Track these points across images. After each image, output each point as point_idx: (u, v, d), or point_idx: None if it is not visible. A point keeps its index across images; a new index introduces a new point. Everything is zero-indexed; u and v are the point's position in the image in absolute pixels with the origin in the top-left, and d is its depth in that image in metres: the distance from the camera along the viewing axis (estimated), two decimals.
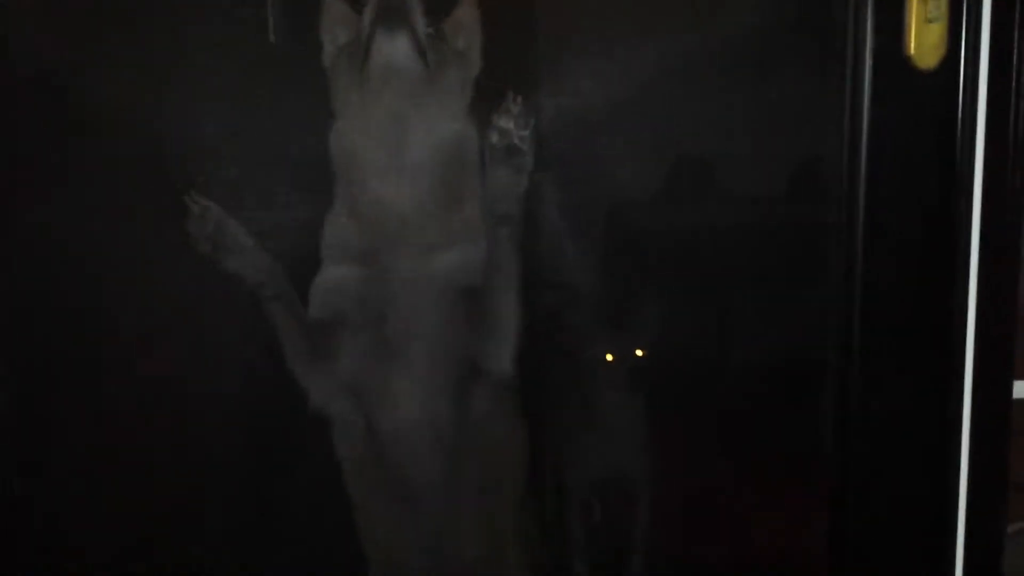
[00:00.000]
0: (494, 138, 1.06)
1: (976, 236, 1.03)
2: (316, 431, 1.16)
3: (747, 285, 1.19)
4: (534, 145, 1.07)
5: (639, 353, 1.18)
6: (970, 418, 1.09)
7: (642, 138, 1.14)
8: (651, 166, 1.16)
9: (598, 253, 1.20)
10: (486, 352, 1.14)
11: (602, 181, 1.16)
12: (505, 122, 1.05)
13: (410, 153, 1.09)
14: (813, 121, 1.06)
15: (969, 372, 1.07)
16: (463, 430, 1.15)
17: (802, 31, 1.06)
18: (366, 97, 1.08)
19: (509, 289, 1.13)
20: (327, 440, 1.17)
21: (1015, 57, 1.00)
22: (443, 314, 1.14)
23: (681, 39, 1.11)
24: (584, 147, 1.14)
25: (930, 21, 0.96)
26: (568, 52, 1.12)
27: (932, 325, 1.06)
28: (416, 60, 1.06)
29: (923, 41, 0.97)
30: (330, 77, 1.11)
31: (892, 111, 0.99)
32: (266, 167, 1.14)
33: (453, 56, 1.09)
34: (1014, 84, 1.01)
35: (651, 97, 1.11)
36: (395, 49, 1.05)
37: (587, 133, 1.13)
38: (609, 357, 1.19)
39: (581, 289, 1.20)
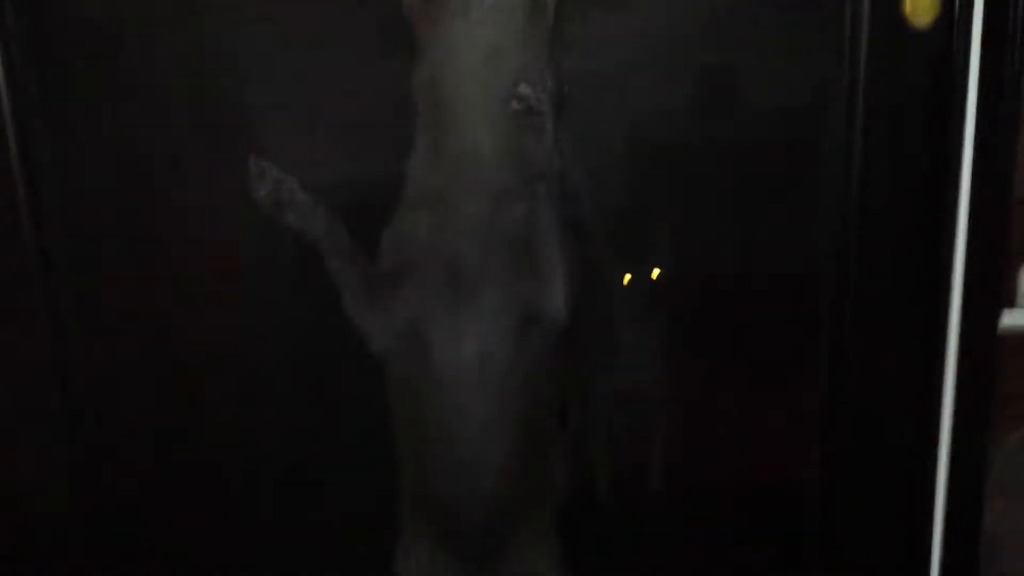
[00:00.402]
0: (515, 104, 1.13)
1: (967, 179, 1.14)
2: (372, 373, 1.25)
3: (750, 202, 1.26)
4: (554, 103, 1.15)
5: (653, 275, 1.29)
6: (957, 346, 1.21)
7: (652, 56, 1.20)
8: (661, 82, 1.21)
9: (614, 176, 1.26)
10: (541, 297, 1.23)
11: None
12: (524, 88, 1.13)
13: (496, 93, 1.14)
14: (813, 72, 1.16)
15: (957, 302, 1.19)
16: (517, 368, 1.23)
17: None
18: (454, 34, 1.13)
19: (552, 241, 1.21)
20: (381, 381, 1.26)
21: (1011, 17, 1.10)
22: (506, 261, 1.21)
23: None
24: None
25: None
26: None
27: (922, 257, 1.18)
28: None
29: (918, 1, 1.08)
30: (413, 17, 1.15)
31: (888, 66, 1.10)
32: (337, 117, 1.22)
33: None
34: (1009, 39, 1.11)
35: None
36: None
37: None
38: (626, 279, 1.30)
39: (601, 213, 1.26)
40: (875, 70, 1.10)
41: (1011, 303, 1.26)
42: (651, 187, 1.24)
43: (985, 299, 1.20)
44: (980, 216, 1.16)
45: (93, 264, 1.24)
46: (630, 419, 1.35)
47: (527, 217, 1.20)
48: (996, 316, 1.21)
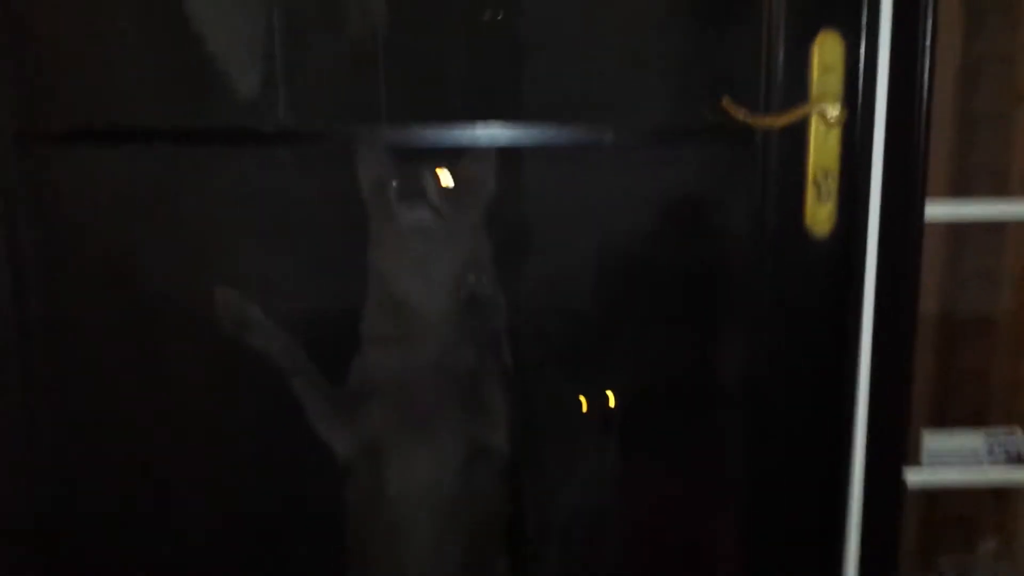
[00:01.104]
0: (463, 294, 1.36)
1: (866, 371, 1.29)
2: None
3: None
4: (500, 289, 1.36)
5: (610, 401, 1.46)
6: (861, 502, 1.35)
7: None
8: None
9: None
10: (487, 433, 1.43)
11: None
12: (471, 278, 1.35)
13: (432, 273, 1.38)
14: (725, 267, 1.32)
15: (860, 461, 1.34)
16: (464, 493, 1.42)
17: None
18: (395, 232, 1.36)
19: (497, 384, 1.42)
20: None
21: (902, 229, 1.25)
22: (455, 399, 1.41)
23: None
24: None
25: (822, 201, 1.22)
26: None
27: (827, 422, 1.32)
28: (433, 218, 1.34)
29: (816, 215, 1.22)
30: (367, 207, 1.38)
31: (792, 268, 1.25)
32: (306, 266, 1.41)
33: (463, 205, 1.36)
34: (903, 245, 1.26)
35: None
36: (415, 215, 1.33)
37: None
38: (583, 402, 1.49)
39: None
40: (781, 272, 1.25)
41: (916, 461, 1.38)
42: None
43: (888, 458, 1.34)
44: (881, 385, 1.31)
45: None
46: (577, 536, 1.52)
47: (474, 363, 1.40)
48: (900, 475, 1.35)
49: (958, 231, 1.74)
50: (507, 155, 1.37)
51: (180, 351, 1.42)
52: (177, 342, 1.42)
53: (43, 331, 1.35)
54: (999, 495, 1.83)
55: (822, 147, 1.20)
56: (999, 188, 1.67)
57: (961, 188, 1.65)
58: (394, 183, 1.33)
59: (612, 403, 1.50)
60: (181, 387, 1.44)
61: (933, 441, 1.37)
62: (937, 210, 1.27)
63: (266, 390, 1.44)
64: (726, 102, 1.18)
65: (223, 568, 1.47)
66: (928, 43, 1.19)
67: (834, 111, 1.18)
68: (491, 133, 1.27)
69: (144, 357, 1.42)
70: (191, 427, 1.47)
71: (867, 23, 1.18)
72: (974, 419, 1.69)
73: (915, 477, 1.37)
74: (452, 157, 1.35)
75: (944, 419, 1.74)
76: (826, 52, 1.18)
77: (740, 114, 1.18)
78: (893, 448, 1.34)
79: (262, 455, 1.47)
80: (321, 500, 1.45)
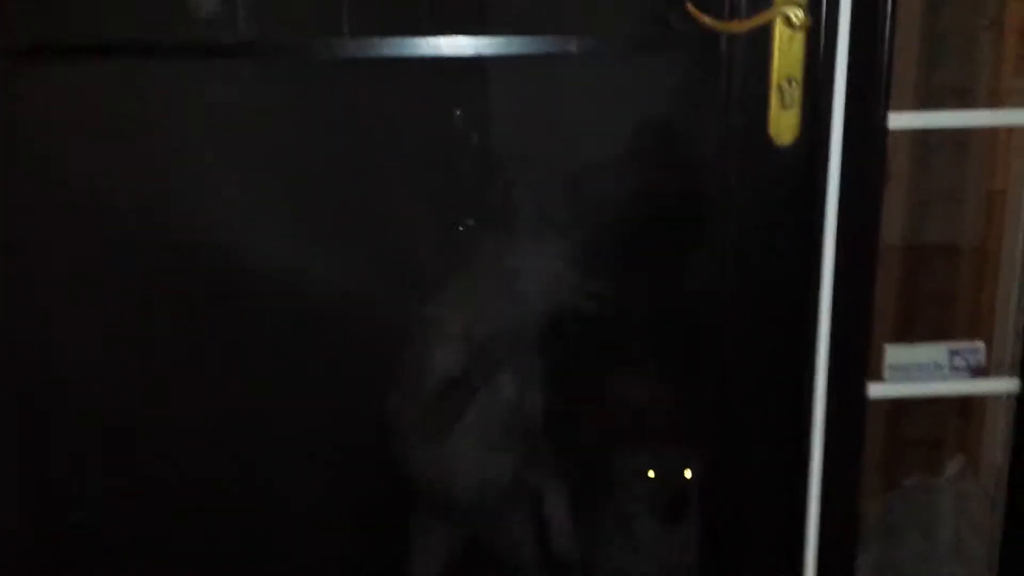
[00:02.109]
0: None
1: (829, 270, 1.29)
2: None
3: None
4: None
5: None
6: (823, 418, 1.37)
7: None
8: None
9: None
10: None
11: None
12: None
13: None
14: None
15: (823, 377, 1.35)
16: None
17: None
18: None
19: None
20: None
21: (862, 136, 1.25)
22: None
23: None
24: None
25: (785, 108, 1.21)
26: None
27: (791, 335, 1.33)
28: None
29: (780, 123, 1.22)
30: None
31: (756, 178, 1.25)
32: None
33: None
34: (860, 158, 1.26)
35: None
36: None
37: None
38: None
39: None
40: (746, 181, 1.25)
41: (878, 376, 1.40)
42: None
43: (851, 373, 1.35)
44: (844, 295, 1.31)
45: None
46: None
47: None
48: (862, 388, 1.37)
49: (923, 155, 1.75)
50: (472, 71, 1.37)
51: (144, 270, 1.41)
52: (140, 260, 1.40)
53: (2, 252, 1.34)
54: (964, 415, 1.86)
55: (787, 53, 1.20)
56: (965, 107, 1.68)
57: (927, 106, 1.66)
58: None
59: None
60: (147, 307, 1.43)
61: (896, 355, 1.38)
62: (901, 120, 1.27)
63: (239, 316, 1.43)
64: (691, 8, 1.17)
65: None
66: None
67: (799, 16, 1.17)
68: (455, 44, 1.25)
69: (105, 277, 1.41)
70: (160, 353, 1.46)
71: None
72: (938, 337, 1.71)
73: (877, 391, 1.38)
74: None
75: (908, 338, 1.76)
76: None
77: (705, 20, 1.17)
78: (855, 361, 1.35)
79: (235, 385, 1.47)
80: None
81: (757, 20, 1.18)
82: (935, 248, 1.82)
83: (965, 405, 1.85)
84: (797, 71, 1.20)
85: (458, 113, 1.45)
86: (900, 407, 1.82)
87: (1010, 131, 1.69)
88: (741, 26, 1.18)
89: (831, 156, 1.24)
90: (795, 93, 1.21)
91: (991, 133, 1.71)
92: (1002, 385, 1.42)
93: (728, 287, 1.31)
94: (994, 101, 1.70)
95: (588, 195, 1.44)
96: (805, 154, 1.24)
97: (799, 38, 1.19)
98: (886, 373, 1.39)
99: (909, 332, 1.82)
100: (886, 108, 1.24)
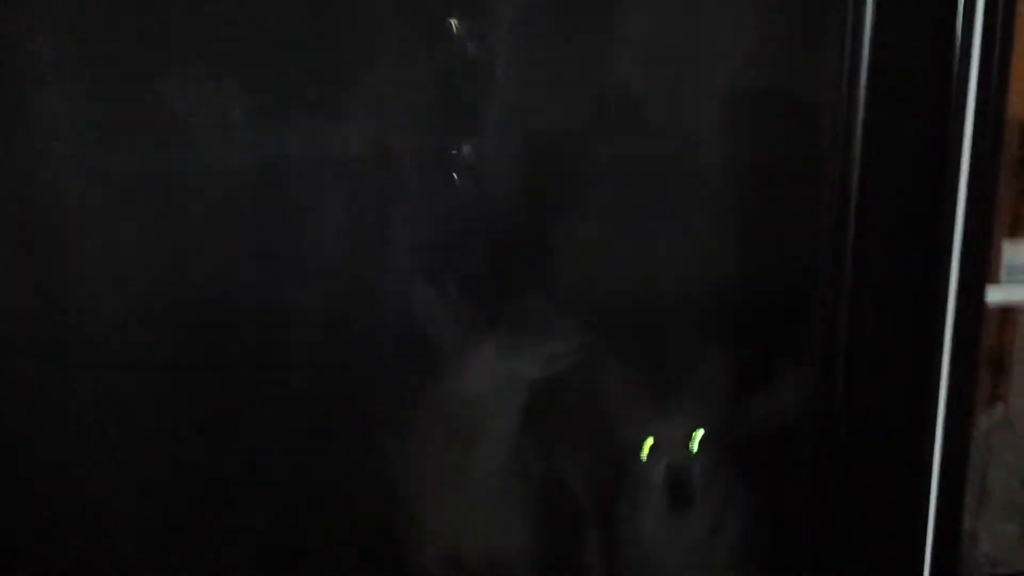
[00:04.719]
0: None
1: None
2: None
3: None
4: None
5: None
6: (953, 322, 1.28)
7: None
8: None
9: None
10: None
11: None
12: None
13: None
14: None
15: (955, 279, 1.26)
16: None
17: None
18: None
19: None
20: None
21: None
22: None
23: None
24: None
25: None
26: None
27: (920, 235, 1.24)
28: None
29: None
30: None
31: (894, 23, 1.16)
32: None
33: None
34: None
35: None
36: None
37: None
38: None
39: None
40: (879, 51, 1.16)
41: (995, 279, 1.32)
42: None
43: (976, 275, 1.27)
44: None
45: None
46: None
47: None
48: (983, 291, 1.29)
49: None
50: None
51: None
52: None
53: None
54: (999, 366, 1.81)
55: None
56: None
57: None
58: None
59: None
60: None
61: (1016, 254, 1.31)
62: None
63: None
64: None
65: None
66: None
67: None
68: None
69: None
70: None
71: None
72: None
73: (995, 296, 1.30)
74: None
75: None
76: None
77: None
78: (979, 265, 1.28)
79: None
80: None
81: None
82: None
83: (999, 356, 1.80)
84: None
85: None
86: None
87: None
88: None
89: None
90: None
91: None
92: None
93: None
94: None
95: None
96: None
97: None
98: (1003, 276, 1.31)
99: None
100: None
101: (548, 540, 1.38)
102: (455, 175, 1.23)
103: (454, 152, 1.23)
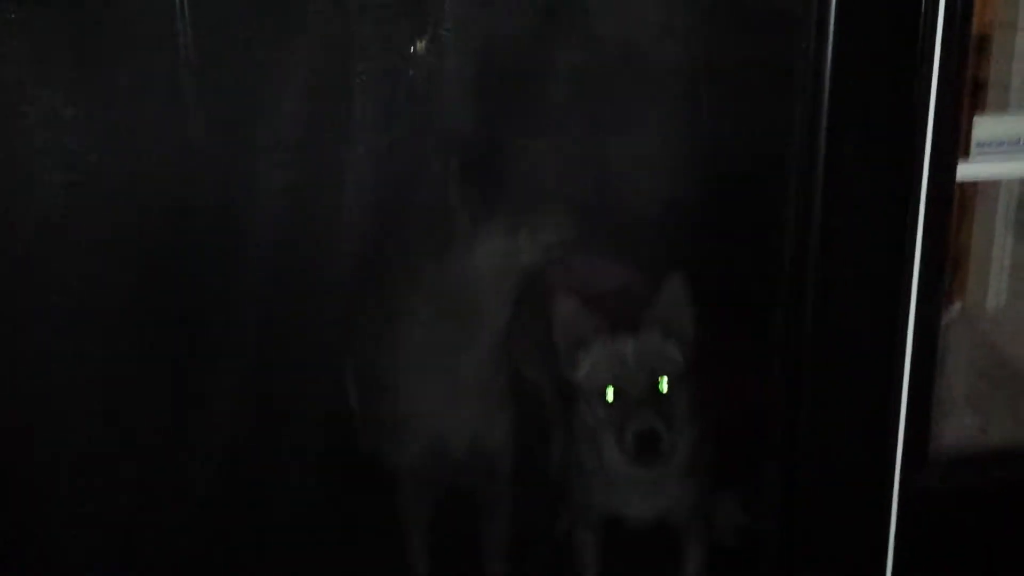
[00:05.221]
0: None
1: None
2: None
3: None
4: None
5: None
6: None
7: None
8: None
9: None
10: None
11: None
12: None
13: None
14: None
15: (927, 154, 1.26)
16: None
17: None
18: None
19: None
20: None
21: None
22: None
23: None
24: None
25: None
26: None
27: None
28: None
29: None
30: None
31: None
32: None
33: None
34: None
35: None
36: None
37: None
38: None
39: None
40: None
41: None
42: None
43: (947, 150, 1.27)
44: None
45: None
46: None
47: None
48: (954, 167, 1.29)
49: None
50: None
51: None
52: None
53: None
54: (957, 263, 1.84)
55: None
56: None
57: None
58: None
59: None
60: None
61: (983, 130, 1.31)
62: None
63: None
64: None
65: None
66: None
67: None
68: None
69: None
70: None
71: None
72: None
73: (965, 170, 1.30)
74: None
75: None
76: None
77: None
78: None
79: None
80: None
81: None
82: None
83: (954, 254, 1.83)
84: None
85: None
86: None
87: None
88: None
89: None
90: None
91: None
92: None
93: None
94: None
95: None
96: None
97: None
98: (972, 151, 1.31)
99: None
100: None
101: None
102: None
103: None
